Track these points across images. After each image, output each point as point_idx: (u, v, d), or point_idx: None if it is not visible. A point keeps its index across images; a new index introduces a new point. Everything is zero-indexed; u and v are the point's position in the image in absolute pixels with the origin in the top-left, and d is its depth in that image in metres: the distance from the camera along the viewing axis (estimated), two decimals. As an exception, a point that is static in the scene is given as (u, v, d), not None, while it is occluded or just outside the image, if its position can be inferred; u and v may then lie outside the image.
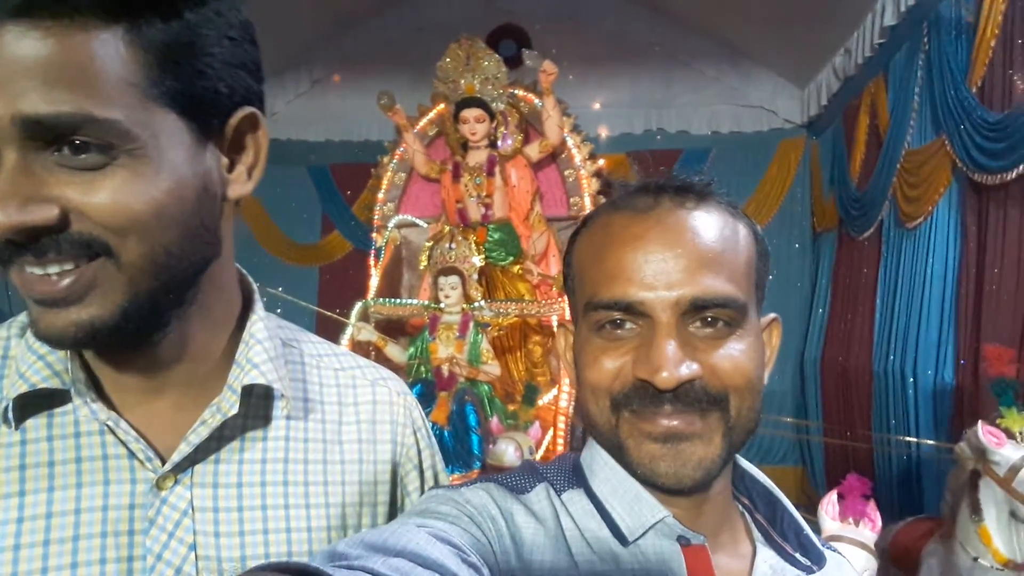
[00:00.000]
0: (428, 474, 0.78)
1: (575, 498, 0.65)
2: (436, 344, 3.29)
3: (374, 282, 3.80)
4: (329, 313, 3.54)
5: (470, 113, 3.67)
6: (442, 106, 3.99)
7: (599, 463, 0.66)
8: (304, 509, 0.65)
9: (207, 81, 0.55)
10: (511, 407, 3.39)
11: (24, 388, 0.57)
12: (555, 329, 4.07)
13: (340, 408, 0.72)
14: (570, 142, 4.15)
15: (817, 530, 1.81)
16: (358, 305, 3.49)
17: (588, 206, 4.43)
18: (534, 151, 3.89)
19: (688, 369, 0.58)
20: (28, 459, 0.58)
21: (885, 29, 4.09)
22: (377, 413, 0.74)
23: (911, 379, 3.72)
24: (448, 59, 3.84)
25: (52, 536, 0.57)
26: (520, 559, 0.59)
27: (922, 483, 3.61)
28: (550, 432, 3.32)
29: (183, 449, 0.60)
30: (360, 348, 3.28)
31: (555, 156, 4.07)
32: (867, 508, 1.87)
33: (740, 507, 0.70)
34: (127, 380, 0.61)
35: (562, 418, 3.33)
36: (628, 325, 0.61)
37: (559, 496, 0.65)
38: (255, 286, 0.71)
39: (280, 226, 5.98)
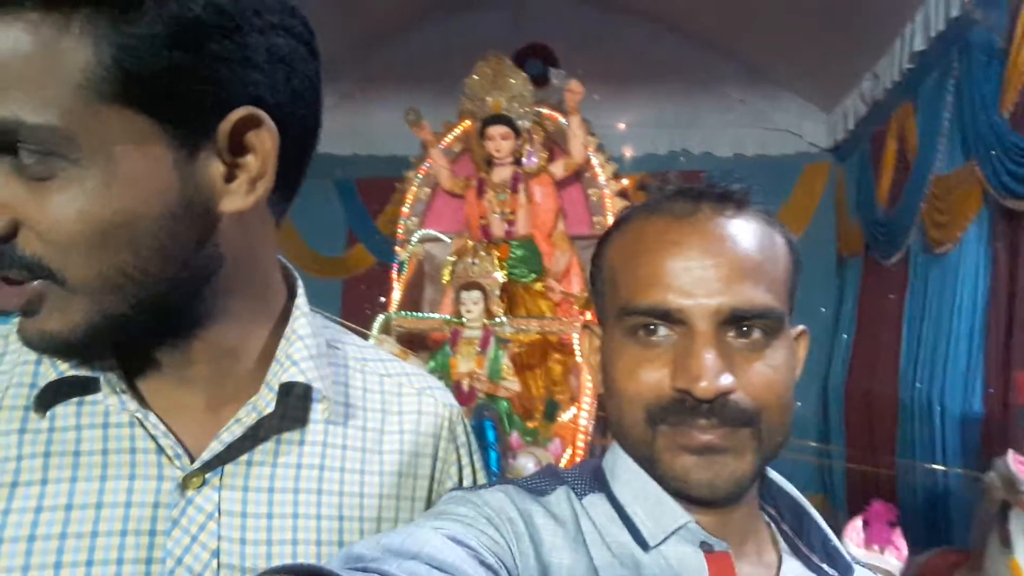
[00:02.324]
0: None
1: (596, 502, 0.64)
2: (456, 359, 3.29)
3: (396, 295, 3.82)
4: (352, 326, 3.56)
5: (496, 130, 3.70)
6: (468, 123, 4.01)
7: (621, 468, 0.66)
8: (336, 521, 0.62)
9: (185, 79, 0.48)
10: (530, 424, 3.38)
11: (53, 375, 0.55)
12: (578, 332, 4.10)
13: (383, 416, 0.68)
14: (594, 161, 4.17)
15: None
16: (380, 318, 3.50)
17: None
18: (559, 169, 3.91)
19: (726, 380, 0.57)
20: (54, 447, 0.55)
21: (915, 54, 4.07)
22: (422, 425, 0.69)
23: (938, 407, 3.66)
24: (476, 76, 3.87)
25: (70, 530, 0.53)
26: (539, 560, 0.58)
27: (949, 513, 3.54)
28: (569, 450, 3.30)
29: (214, 447, 0.57)
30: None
31: (579, 175, 4.08)
32: (893, 535, 1.83)
33: (766, 517, 0.69)
34: (157, 375, 0.58)
35: (581, 436, 3.32)
36: (663, 332, 0.61)
37: (580, 500, 0.64)
38: (299, 281, 0.67)
39: (305, 239, 6.01)
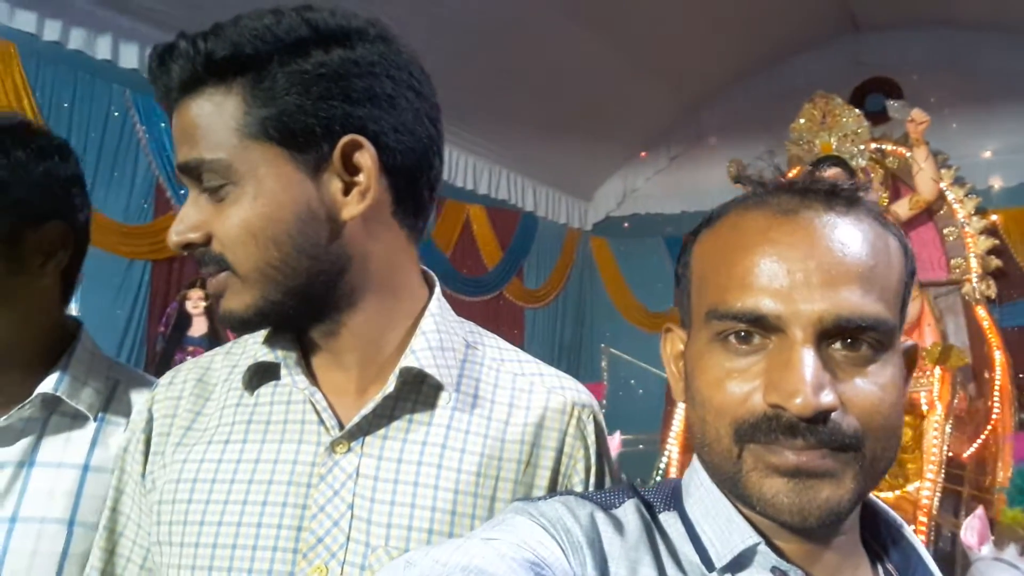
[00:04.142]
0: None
1: (671, 520, 0.60)
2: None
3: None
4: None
5: (825, 173, 3.52)
6: (797, 169, 3.88)
7: (695, 483, 0.61)
8: (452, 493, 0.69)
9: (299, 117, 0.65)
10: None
11: (250, 361, 0.73)
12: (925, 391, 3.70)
13: (511, 409, 0.75)
14: (950, 196, 3.73)
15: None
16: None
17: (975, 267, 3.90)
18: (903, 208, 3.58)
19: (827, 398, 0.51)
20: (255, 416, 0.72)
21: None
22: (547, 419, 0.74)
23: None
24: (802, 119, 3.76)
25: (256, 477, 0.69)
26: (598, 570, 0.55)
27: None
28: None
29: (354, 420, 0.69)
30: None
31: (931, 213, 3.68)
32: None
33: (869, 553, 0.61)
34: (322, 360, 0.73)
35: (923, 514, 2.89)
36: (757, 339, 0.55)
37: (655, 517, 0.60)
38: (437, 288, 0.79)
39: (637, 294, 6.26)
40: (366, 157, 0.67)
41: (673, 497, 0.63)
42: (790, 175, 3.92)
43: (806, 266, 0.53)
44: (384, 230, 0.72)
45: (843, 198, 0.57)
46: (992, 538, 2.50)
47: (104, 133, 4.01)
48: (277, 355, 0.72)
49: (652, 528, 0.59)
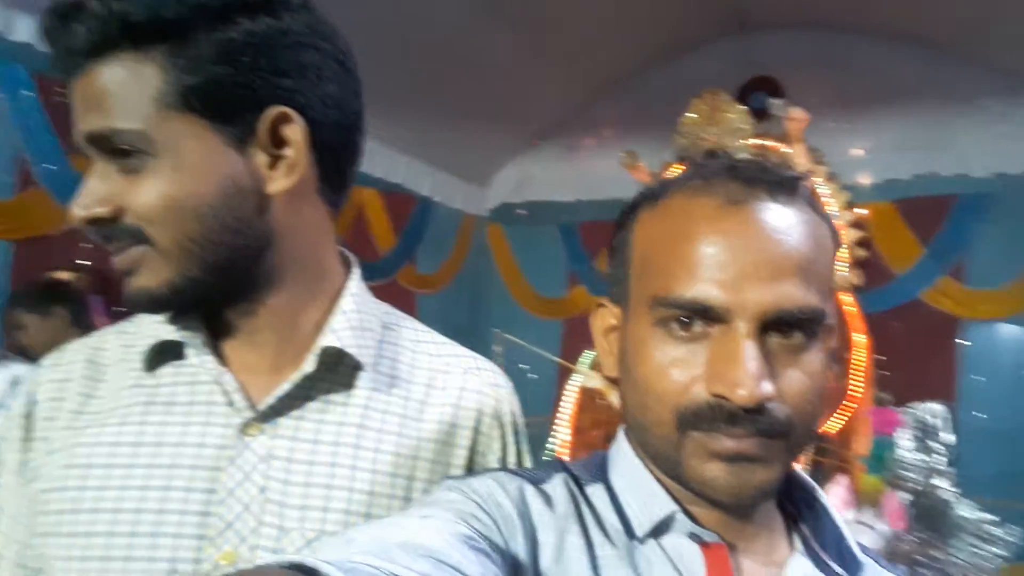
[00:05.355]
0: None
1: (597, 492, 0.63)
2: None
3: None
4: (560, 361, 3.68)
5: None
6: (686, 162, 4.01)
7: (620, 457, 0.65)
8: (369, 474, 0.70)
9: (226, 87, 0.62)
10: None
11: (150, 341, 0.71)
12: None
13: (428, 389, 0.76)
14: (824, 191, 3.95)
15: None
16: (588, 355, 3.57)
17: (845, 257, 4.16)
18: (781, 201, 3.76)
19: (767, 388, 0.54)
20: (156, 397, 0.70)
21: None
22: (463, 399, 0.76)
23: None
24: (691, 114, 3.88)
25: (156, 461, 0.67)
26: (528, 539, 0.58)
27: None
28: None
29: (267, 401, 0.69)
30: (589, 395, 3.36)
31: (807, 206, 3.89)
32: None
33: (784, 515, 0.65)
34: (234, 339, 0.71)
35: None
36: (699, 327, 0.56)
37: (582, 489, 0.63)
38: (357, 268, 0.78)
39: (531, 281, 6.32)
40: (295, 130, 0.65)
41: (600, 470, 0.66)
42: (680, 167, 4.06)
43: (752, 258, 0.55)
44: (308, 207, 0.70)
45: (787, 187, 0.58)
46: (854, 503, 2.71)
47: (-42, 102, 3.69)
48: (183, 334, 0.69)
49: (579, 499, 0.62)
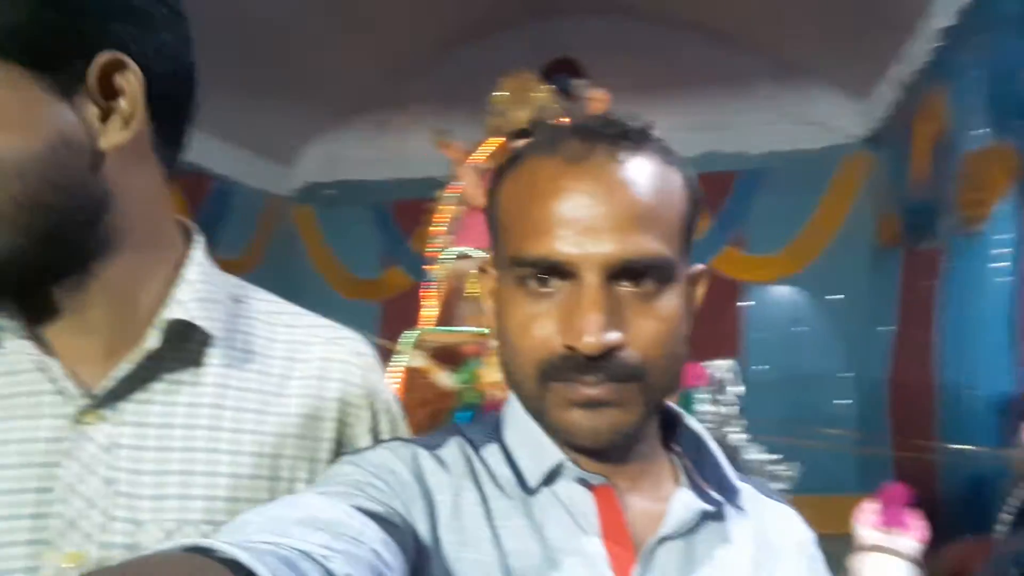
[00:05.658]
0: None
1: (492, 451, 0.66)
2: (484, 369, 3.33)
3: (430, 312, 3.88)
4: (381, 341, 3.64)
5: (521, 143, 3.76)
6: (497, 139, 4.09)
7: (511, 414, 0.68)
8: (231, 455, 0.65)
9: (48, 31, 0.55)
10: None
11: None
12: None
13: (289, 363, 0.72)
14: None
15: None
16: (410, 334, 3.56)
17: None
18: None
19: (612, 336, 0.57)
20: None
21: (942, 32, 4.00)
22: (327, 371, 0.73)
23: (972, 391, 3.57)
24: (500, 92, 3.96)
25: None
26: (426, 501, 0.59)
27: (992, 503, 3.43)
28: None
29: (105, 384, 0.62)
30: (413, 375, 3.36)
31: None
32: (907, 517, 1.78)
33: (672, 455, 0.71)
34: (59, 323, 0.63)
35: None
36: (554, 283, 0.59)
37: (477, 451, 0.65)
38: (199, 237, 0.72)
39: (344, 263, 6.18)
40: (130, 79, 0.59)
41: (494, 430, 0.68)
42: (492, 144, 4.13)
43: (594, 212, 0.57)
44: (145, 166, 0.64)
45: (630, 140, 0.60)
46: None
47: None
48: None
49: (474, 460, 0.64)
